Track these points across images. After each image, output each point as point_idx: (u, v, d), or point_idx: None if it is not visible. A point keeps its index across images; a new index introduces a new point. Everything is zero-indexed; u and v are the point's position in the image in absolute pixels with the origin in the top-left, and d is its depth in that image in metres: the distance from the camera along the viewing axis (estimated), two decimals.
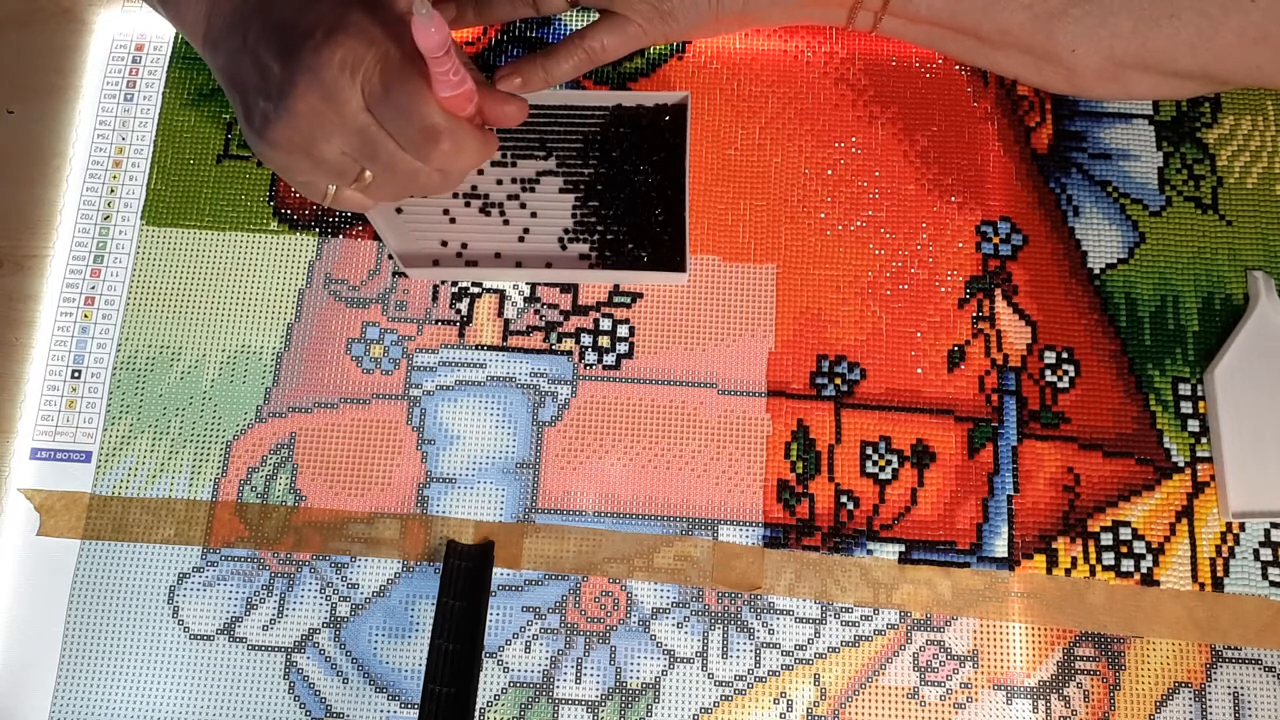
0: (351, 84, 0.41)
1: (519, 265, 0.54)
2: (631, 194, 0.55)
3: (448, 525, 0.52)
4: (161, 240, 0.56)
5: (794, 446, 0.53)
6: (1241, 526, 0.52)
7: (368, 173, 0.45)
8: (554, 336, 0.55)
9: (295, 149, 0.43)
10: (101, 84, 0.59)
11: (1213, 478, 0.53)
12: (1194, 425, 0.53)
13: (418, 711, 0.48)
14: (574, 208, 0.55)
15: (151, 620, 0.51)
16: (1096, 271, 0.56)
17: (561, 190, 0.55)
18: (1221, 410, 0.52)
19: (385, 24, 0.42)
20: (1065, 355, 0.54)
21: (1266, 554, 0.52)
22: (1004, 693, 0.50)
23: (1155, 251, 0.56)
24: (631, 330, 0.55)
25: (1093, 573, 0.51)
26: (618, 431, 0.53)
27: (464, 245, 0.55)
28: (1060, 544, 0.52)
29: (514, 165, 0.56)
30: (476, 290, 0.55)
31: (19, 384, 0.54)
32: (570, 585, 0.51)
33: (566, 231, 0.55)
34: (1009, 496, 0.52)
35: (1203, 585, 0.51)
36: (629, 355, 0.54)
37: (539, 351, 0.54)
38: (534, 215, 0.55)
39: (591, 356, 0.54)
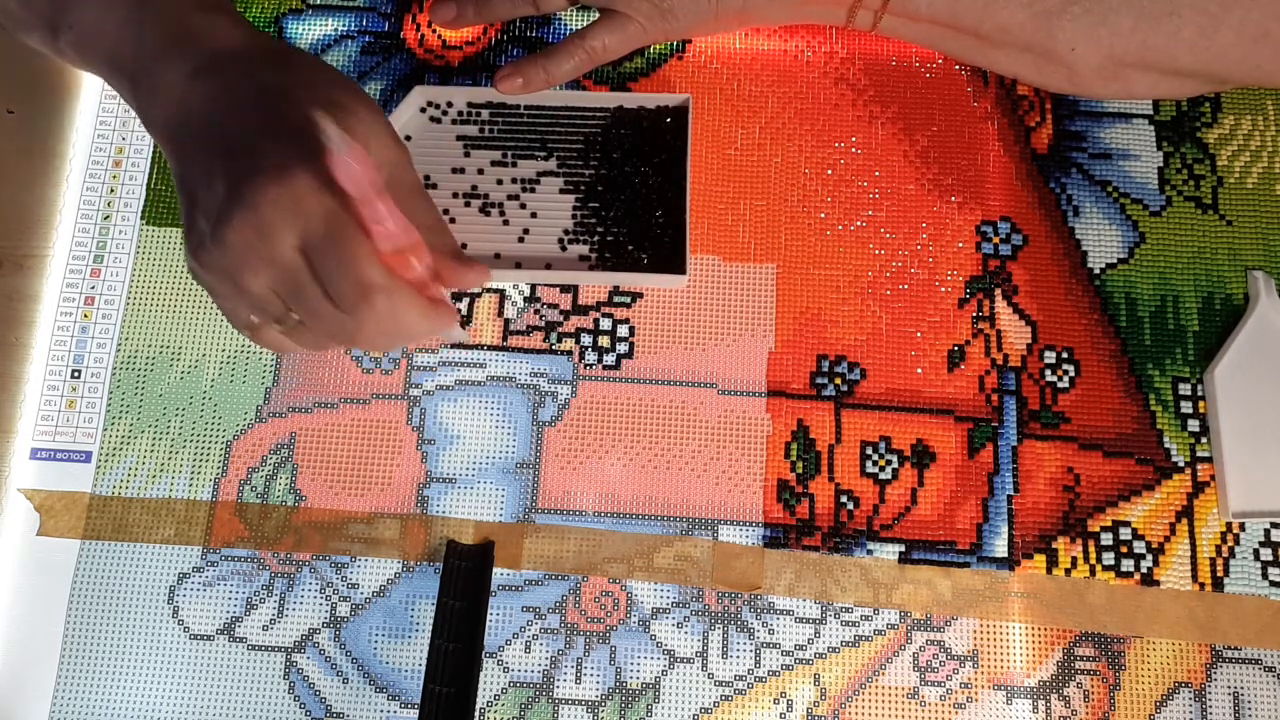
0: (290, 225, 0.37)
1: (518, 266, 0.54)
2: (632, 196, 0.55)
3: (448, 525, 0.52)
4: (161, 240, 0.56)
5: (794, 446, 0.53)
6: (1241, 526, 0.52)
7: (293, 314, 0.41)
8: (554, 336, 0.55)
9: (223, 275, 0.40)
10: (101, 84, 0.59)
11: (1213, 478, 0.53)
12: (1194, 425, 0.53)
13: (418, 711, 0.48)
14: (574, 209, 0.55)
15: (151, 620, 0.51)
16: (1096, 271, 0.56)
17: (562, 191, 0.55)
18: (1221, 410, 0.52)
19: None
20: (1065, 355, 0.54)
21: (1266, 554, 0.52)
22: (1004, 693, 0.50)
23: (1155, 251, 0.56)
24: (631, 330, 0.55)
25: (1093, 573, 0.51)
26: (618, 431, 0.53)
27: (463, 245, 0.55)
28: (1060, 544, 0.52)
29: (514, 165, 0.56)
30: (476, 290, 0.55)
31: (19, 384, 0.54)
32: (570, 585, 0.51)
33: (566, 232, 0.55)
34: (1009, 496, 0.52)
35: (1203, 585, 0.51)
36: (629, 355, 0.54)
37: (539, 351, 0.54)
38: (534, 216, 0.55)
39: (591, 356, 0.54)
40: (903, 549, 0.52)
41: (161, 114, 0.42)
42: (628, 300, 0.55)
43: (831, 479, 0.53)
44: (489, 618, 0.50)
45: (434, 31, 0.59)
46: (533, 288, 0.55)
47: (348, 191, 0.36)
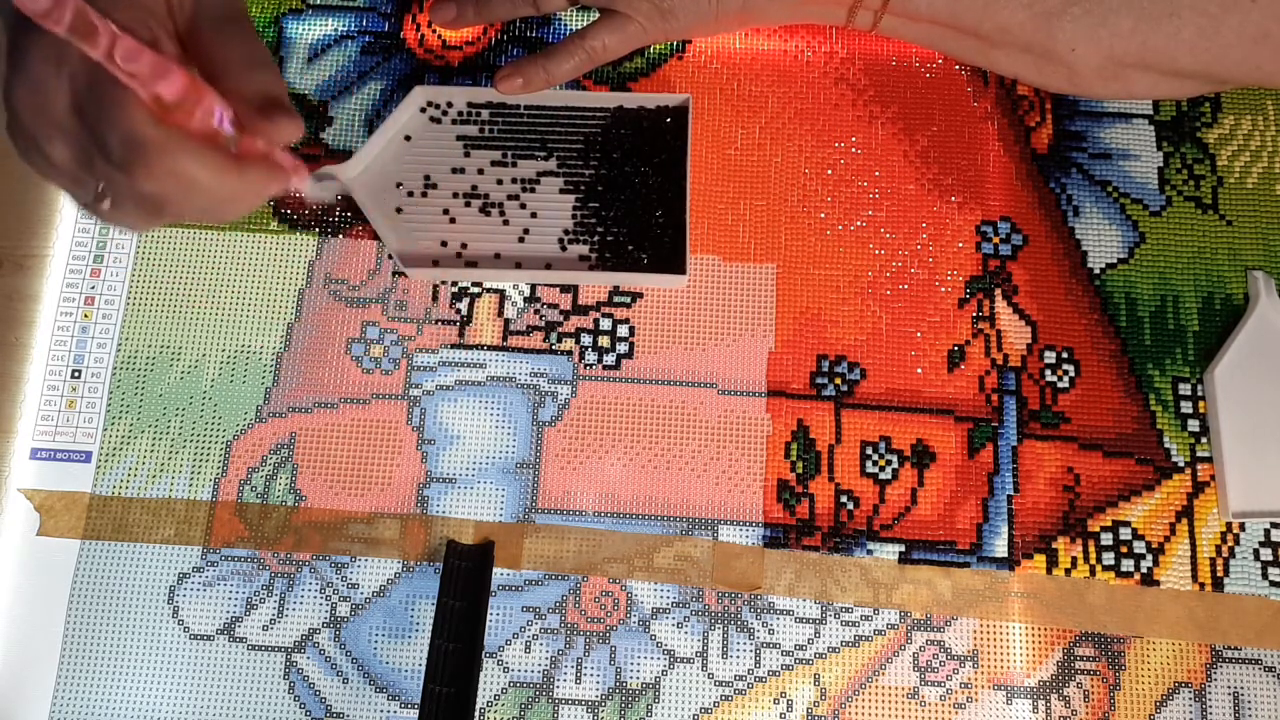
0: (57, 80, 0.33)
1: (519, 266, 0.54)
2: (632, 196, 0.55)
3: (448, 525, 0.52)
4: (161, 240, 0.56)
5: (794, 446, 0.53)
6: (1241, 526, 0.52)
7: (100, 185, 0.35)
8: (554, 336, 0.55)
9: (30, 150, 0.35)
10: None
11: (1213, 478, 0.53)
12: (1194, 425, 0.53)
13: (418, 711, 0.48)
14: (574, 209, 0.55)
15: (151, 620, 0.51)
16: (1096, 271, 0.56)
17: (562, 191, 0.55)
18: (1221, 410, 0.52)
19: (114, 12, 0.33)
20: (1065, 355, 0.54)
21: (1266, 554, 0.52)
22: (1004, 693, 0.50)
23: (1155, 251, 0.56)
24: (631, 330, 0.55)
25: (1093, 573, 0.51)
26: (618, 431, 0.53)
27: (464, 245, 0.55)
28: (1060, 544, 0.52)
29: (514, 165, 0.56)
30: (476, 290, 0.55)
31: (19, 384, 0.54)
32: (570, 585, 0.51)
33: (566, 232, 0.55)
34: (1009, 496, 0.52)
35: (1203, 585, 0.51)
36: (629, 355, 0.54)
37: (539, 351, 0.54)
38: (534, 216, 0.55)
39: (591, 356, 0.54)
40: (903, 549, 0.52)
41: None
42: (628, 300, 0.55)
43: (831, 479, 0.53)
44: (489, 618, 0.50)
45: (434, 31, 0.59)
46: (533, 288, 0.55)
47: (47, 28, 0.30)
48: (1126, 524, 0.52)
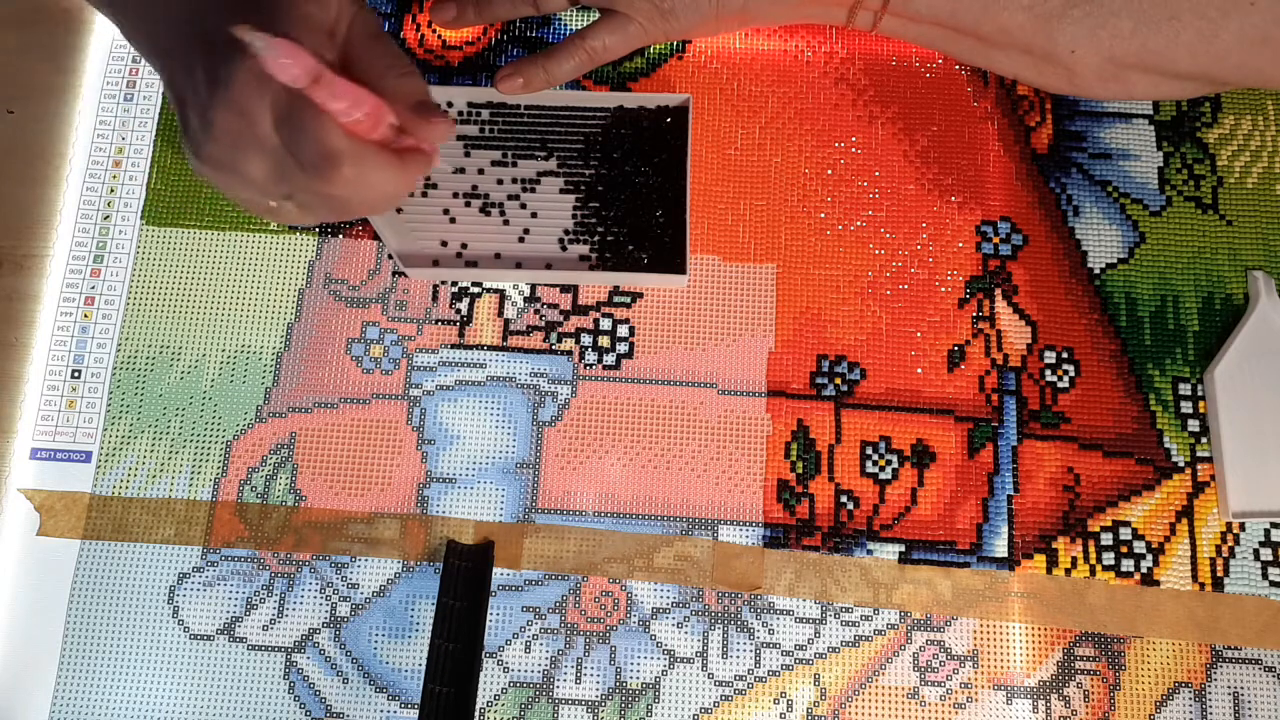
0: (262, 102, 0.38)
1: (519, 266, 0.54)
2: (632, 195, 0.55)
3: (448, 525, 0.52)
4: (161, 240, 0.56)
5: (794, 446, 0.53)
6: (1241, 526, 0.52)
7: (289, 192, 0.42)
8: (554, 336, 0.55)
9: (223, 168, 0.40)
10: (101, 84, 0.59)
11: (1213, 478, 0.53)
12: (1194, 425, 0.53)
13: (418, 711, 0.48)
14: (574, 209, 0.55)
15: (151, 620, 0.51)
16: (1096, 271, 0.56)
17: (562, 191, 0.55)
18: (1221, 410, 0.52)
19: (303, 38, 0.38)
20: (1065, 355, 0.54)
21: (1266, 554, 0.52)
22: (1004, 693, 0.50)
23: (1155, 251, 0.56)
24: (631, 330, 0.55)
25: (1093, 573, 0.51)
26: (618, 431, 0.53)
27: (464, 245, 0.55)
28: (1060, 544, 0.52)
29: (515, 165, 0.56)
30: (476, 290, 0.55)
31: (19, 384, 0.54)
32: (570, 585, 0.51)
33: (567, 232, 0.55)
34: (1009, 496, 0.52)
35: (1203, 585, 0.51)
36: (629, 355, 0.54)
37: (539, 351, 0.54)
38: (534, 216, 0.55)
39: (591, 356, 0.54)
40: (903, 549, 0.52)
41: (140, 24, 0.43)
42: (628, 300, 0.55)
43: (831, 479, 0.53)
44: (489, 618, 0.50)
45: (434, 31, 0.59)
46: (533, 288, 0.55)
47: (289, 85, 0.36)
48: (1126, 524, 0.52)
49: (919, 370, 0.54)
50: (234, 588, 0.51)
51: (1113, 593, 0.51)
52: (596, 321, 0.55)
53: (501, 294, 0.55)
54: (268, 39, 0.34)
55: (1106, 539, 0.52)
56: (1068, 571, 0.51)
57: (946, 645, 0.51)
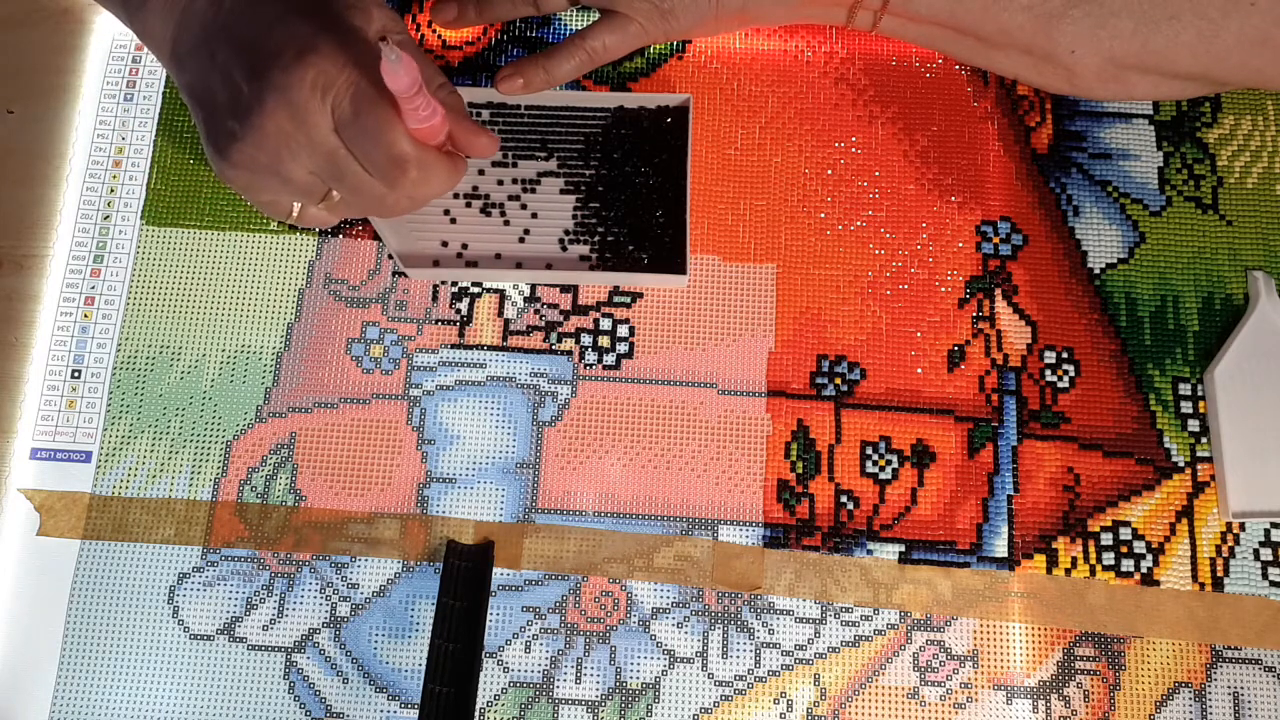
0: (321, 106, 0.40)
1: (519, 266, 0.54)
2: (632, 196, 0.55)
3: (448, 525, 0.52)
4: (161, 240, 0.56)
5: (794, 446, 0.53)
6: (1241, 526, 0.52)
7: (335, 193, 0.44)
8: (554, 336, 0.55)
9: (260, 168, 0.42)
10: (101, 84, 0.59)
11: (1213, 478, 0.53)
12: (1194, 425, 0.53)
13: (418, 711, 0.48)
14: (575, 209, 0.55)
15: (151, 620, 0.51)
16: (1096, 271, 0.56)
17: (562, 191, 0.55)
18: (1221, 410, 0.52)
19: (356, 49, 0.41)
20: (1065, 355, 0.54)
21: (1266, 554, 0.52)
22: (1004, 693, 0.50)
23: (1155, 251, 0.56)
24: (631, 330, 0.55)
25: (1093, 573, 0.51)
26: (618, 431, 0.53)
27: (464, 245, 0.55)
28: (1060, 544, 0.52)
29: (515, 166, 0.56)
30: (476, 290, 0.55)
31: (19, 384, 0.54)
32: (570, 585, 0.51)
33: (567, 233, 0.55)
34: (1009, 496, 0.52)
35: (1203, 585, 0.51)
36: (629, 355, 0.54)
37: (539, 351, 0.54)
38: (535, 216, 0.55)
39: (591, 356, 0.54)
40: (903, 549, 0.52)
41: (159, 27, 0.44)
42: (628, 300, 0.55)
43: (831, 479, 0.53)
44: (489, 618, 0.50)
45: (434, 31, 0.59)
46: (533, 288, 0.55)
47: (395, 94, 0.39)
48: (1126, 524, 0.52)
49: (919, 370, 0.54)
50: (234, 588, 0.51)
51: (1113, 593, 0.51)
52: (596, 321, 0.55)
53: (501, 294, 0.55)
54: (400, 52, 0.37)
55: (1106, 539, 0.52)
56: (1068, 571, 0.52)
57: (946, 645, 0.51)
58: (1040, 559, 0.52)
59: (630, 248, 0.54)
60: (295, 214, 0.46)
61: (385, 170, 0.41)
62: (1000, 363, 0.54)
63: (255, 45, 0.41)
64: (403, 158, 0.41)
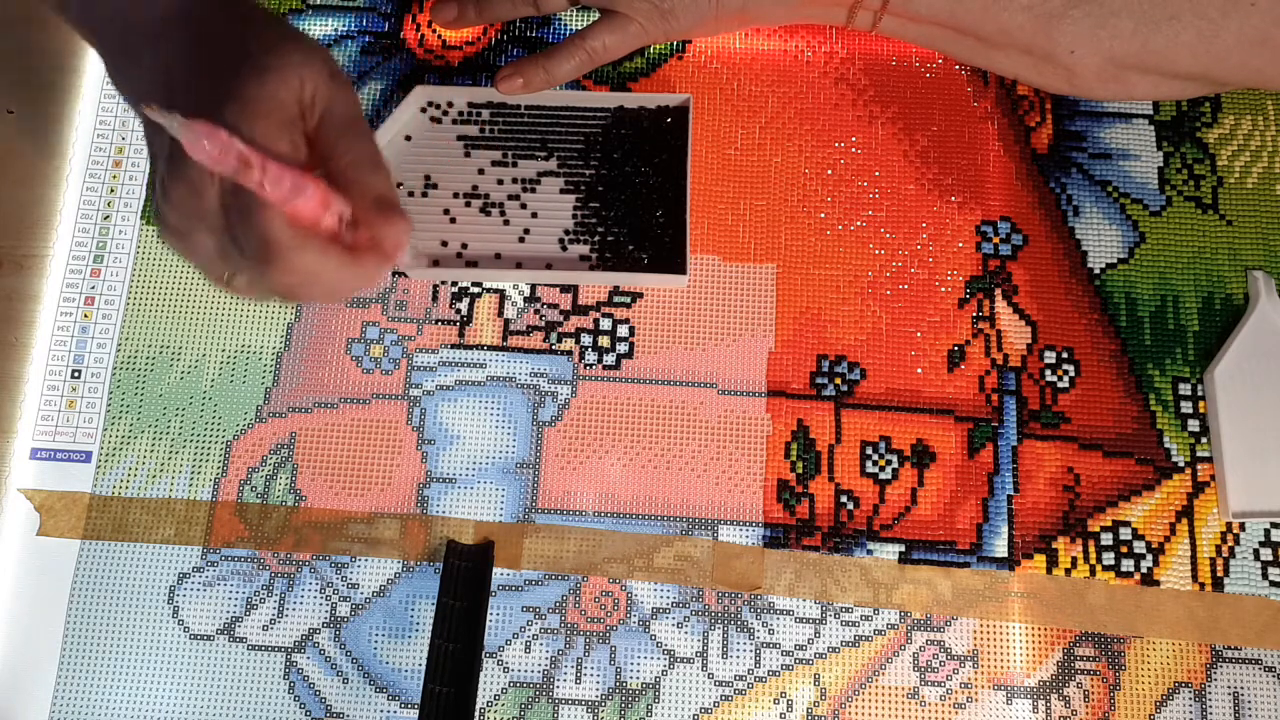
0: (210, 184, 0.37)
1: (519, 266, 0.54)
2: (632, 196, 0.55)
3: (448, 525, 0.52)
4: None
5: (794, 446, 0.53)
6: (1241, 526, 0.52)
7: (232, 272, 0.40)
8: (554, 336, 0.55)
9: (177, 235, 0.39)
10: (101, 84, 0.59)
11: (1213, 478, 0.53)
12: (1194, 425, 0.53)
13: (418, 711, 0.48)
14: (575, 209, 0.55)
15: (151, 620, 0.51)
16: (1096, 271, 0.56)
17: (562, 191, 0.55)
18: (1221, 410, 0.52)
19: (264, 110, 0.37)
20: (1065, 355, 0.54)
21: (1266, 554, 0.52)
22: (1004, 693, 0.50)
23: (1155, 251, 0.56)
24: (631, 330, 0.55)
25: (1093, 573, 0.51)
26: (618, 431, 0.53)
27: (464, 245, 0.55)
28: (1060, 544, 0.52)
29: (515, 165, 0.56)
30: (476, 290, 0.55)
31: (19, 384, 0.54)
32: (570, 585, 0.51)
33: (567, 233, 0.55)
34: (1009, 496, 0.52)
35: (1203, 585, 0.51)
36: (629, 355, 0.54)
37: (539, 351, 0.54)
38: (534, 216, 0.55)
39: (591, 356, 0.54)
40: (903, 549, 0.52)
41: (126, 75, 0.42)
42: (628, 300, 0.55)
43: (831, 479, 0.53)
44: (489, 618, 0.50)
45: (434, 31, 0.59)
46: (533, 288, 0.55)
47: (206, 166, 0.35)
48: (1126, 524, 0.52)
49: (919, 370, 0.54)
50: (234, 588, 0.51)
51: (1113, 593, 0.51)
52: (596, 321, 0.55)
53: (501, 294, 0.55)
54: (181, 120, 0.33)
55: (1106, 539, 0.52)
56: (1068, 571, 0.51)
57: (946, 645, 0.51)
58: (1040, 559, 0.52)
59: (630, 248, 0.54)
60: (225, 283, 0.41)
61: (257, 254, 0.37)
62: (1000, 363, 0.54)
63: (179, 108, 0.37)
64: (271, 243, 0.36)
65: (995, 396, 0.54)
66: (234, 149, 0.34)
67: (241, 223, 0.37)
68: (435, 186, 0.55)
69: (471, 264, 0.54)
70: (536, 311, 0.55)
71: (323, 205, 0.37)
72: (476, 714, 0.47)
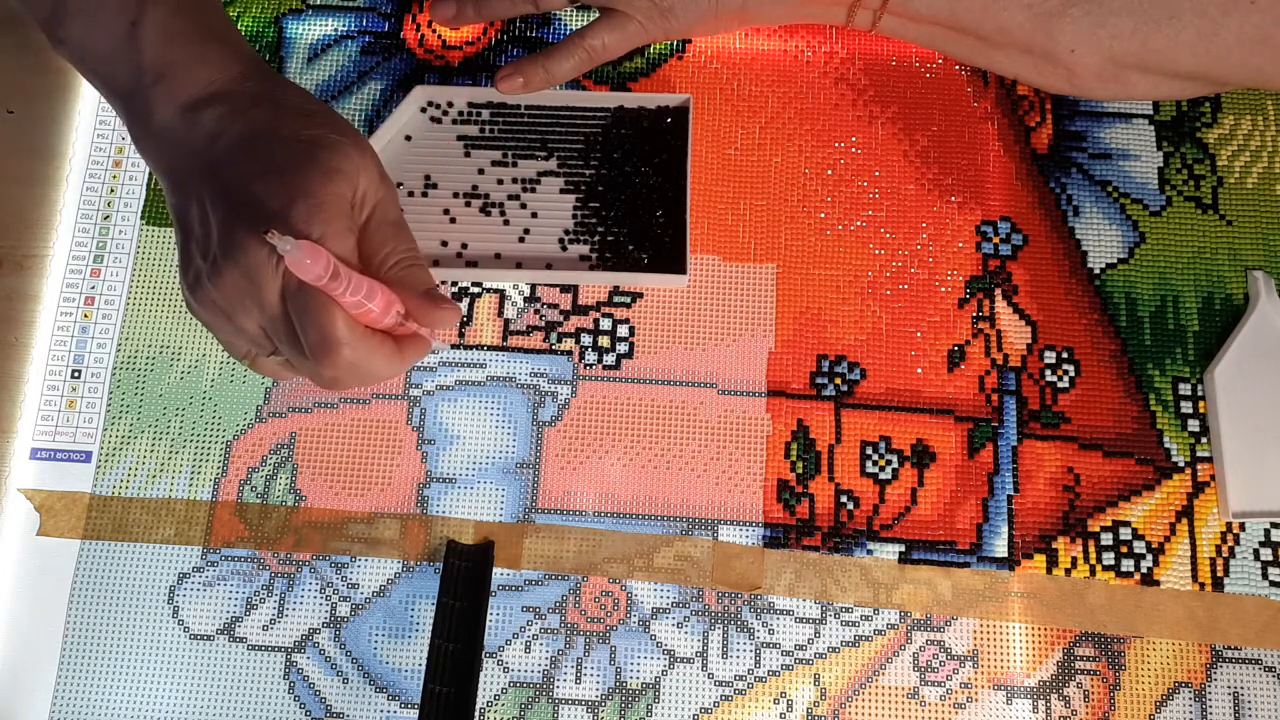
0: (275, 271, 0.39)
1: (519, 266, 0.54)
2: (632, 195, 0.55)
3: (448, 525, 0.52)
4: (161, 240, 0.56)
5: (794, 446, 0.53)
6: (1241, 526, 0.52)
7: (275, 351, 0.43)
8: (554, 336, 0.55)
9: (218, 312, 0.41)
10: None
11: (1213, 478, 0.53)
12: (1194, 425, 0.53)
13: (418, 711, 0.48)
14: (575, 209, 0.55)
15: (151, 620, 0.51)
16: (1096, 271, 0.56)
17: (562, 191, 0.55)
18: (1221, 410, 0.52)
19: (325, 217, 0.39)
20: (1065, 355, 0.54)
21: (1266, 554, 0.52)
22: (1004, 693, 0.50)
23: (1155, 251, 0.56)
24: (631, 330, 0.55)
25: (1093, 573, 0.51)
26: (618, 431, 0.53)
27: (464, 245, 0.55)
28: (1060, 544, 0.52)
29: (515, 165, 0.56)
30: (476, 290, 0.55)
31: (19, 384, 0.54)
32: (570, 585, 0.51)
33: (567, 232, 0.55)
34: (1009, 496, 0.52)
35: (1203, 585, 0.51)
36: (629, 355, 0.54)
37: (539, 351, 0.54)
38: (534, 216, 0.55)
39: (591, 356, 0.54)
40: (903, 549, 0.52)
41: (154, 144, 0.43)
42: (628, 300, 0.55)
43: (831, 479, 0.53)
44: (489, 618, 0.50)
45: (434, 31, 0.59)
46: (533, 288, 0.55)
47: (307, 282, 0.37)
48: (1126, 524, 0.52)
49: (919, 370, 0.54)
50: (234, 588, 0.51)
51: (1113, 593, 0.51)
52: (596, 321, 0.55)
53: (501, 294, 0.55)
54: (294, 242, 0.36)
55: (1106, 539, 0.52)
56: (1068, 571, 0.51)
57: (946, 645, 0.51)
58: (1040, 559, 0.52)
59: (630, 248, 0.54)
60: (251, 360, 0.44)
61: (316, 349, 0.39)
62: (1000, 363, 0.54)
63: (232, 194, 0.40)
64: (332, 341, 0.39)
65: (995, 396, 0.54)
66: (329, 264, 0.37)
67: (303, 318, 0.39)
68: (435, 186, 0.55)
69: (471, 264, 0.54)
70: (536, 311, 0.55)
71: (389, 307, 0.40)
72: (476, 714, 0.47)
